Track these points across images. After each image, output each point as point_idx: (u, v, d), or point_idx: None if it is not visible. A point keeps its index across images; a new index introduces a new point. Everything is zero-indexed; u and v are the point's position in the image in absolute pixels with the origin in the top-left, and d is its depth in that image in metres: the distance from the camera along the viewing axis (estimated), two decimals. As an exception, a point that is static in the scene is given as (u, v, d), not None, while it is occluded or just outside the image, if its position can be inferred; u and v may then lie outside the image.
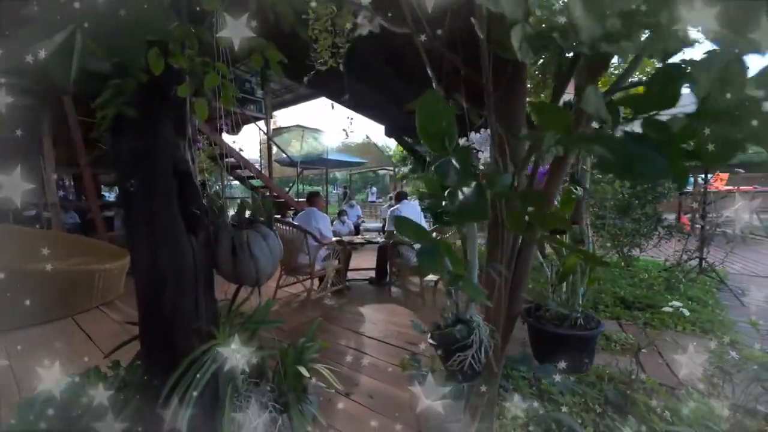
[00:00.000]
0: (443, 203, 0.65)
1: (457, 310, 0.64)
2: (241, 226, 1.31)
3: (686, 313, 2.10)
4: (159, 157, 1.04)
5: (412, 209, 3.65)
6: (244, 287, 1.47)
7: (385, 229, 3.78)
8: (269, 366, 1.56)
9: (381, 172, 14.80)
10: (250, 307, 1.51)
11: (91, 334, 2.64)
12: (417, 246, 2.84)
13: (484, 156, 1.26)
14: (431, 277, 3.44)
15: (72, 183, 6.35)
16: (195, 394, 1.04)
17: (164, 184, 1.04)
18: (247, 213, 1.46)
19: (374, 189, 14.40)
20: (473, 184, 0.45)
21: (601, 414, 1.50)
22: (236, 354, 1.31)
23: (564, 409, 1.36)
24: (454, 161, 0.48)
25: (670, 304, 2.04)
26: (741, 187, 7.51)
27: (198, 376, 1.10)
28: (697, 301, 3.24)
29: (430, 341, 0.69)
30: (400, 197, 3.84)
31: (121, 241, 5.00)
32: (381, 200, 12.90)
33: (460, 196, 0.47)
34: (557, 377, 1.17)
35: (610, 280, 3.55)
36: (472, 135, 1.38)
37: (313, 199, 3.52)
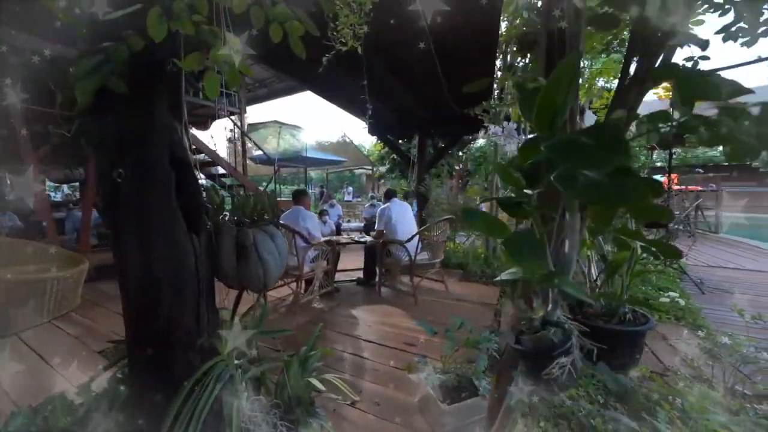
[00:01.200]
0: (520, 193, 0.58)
1: (545, 311, 0.58)
2: (245, 224, 1.16)
3: (682, 303, 2.21)
4: (154, 142, 0.87)
5: (402, 208, 3.59)
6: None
7: (375, 227, 3.67)
8: (270, 379, 1.41)
9: (357, 171, 14.63)
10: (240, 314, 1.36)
11: (44, 354, 2.28)
12: (410, 244, 2.75)
13: (510, 149, 1.21)
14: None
15: (9, 181, 5.57)
16: (200, 422, 0.89)
17: (161, 173, 0.88)
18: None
19: (350, 188, 14.18)
20: (619, 162, 0.39)
21: (603, 404, 1.52)
22: (240, 370, 1.15)
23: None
24: (586, 139, 0.41)
25: (666, 295, 2.14)
26: (690, 187, 8.29)
27: (202, 401, 0.94)
28: (665, 290, 3.49)
29: (516, 347, 0.62)
30: (390, 196, 3.74)
31: (73, 246, 4.45)
32: (359, 200, 12.72)
33: (589, 178, 0.39)
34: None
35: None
36: (493, 128, 1.33)
37: (299, 197, 3.33)
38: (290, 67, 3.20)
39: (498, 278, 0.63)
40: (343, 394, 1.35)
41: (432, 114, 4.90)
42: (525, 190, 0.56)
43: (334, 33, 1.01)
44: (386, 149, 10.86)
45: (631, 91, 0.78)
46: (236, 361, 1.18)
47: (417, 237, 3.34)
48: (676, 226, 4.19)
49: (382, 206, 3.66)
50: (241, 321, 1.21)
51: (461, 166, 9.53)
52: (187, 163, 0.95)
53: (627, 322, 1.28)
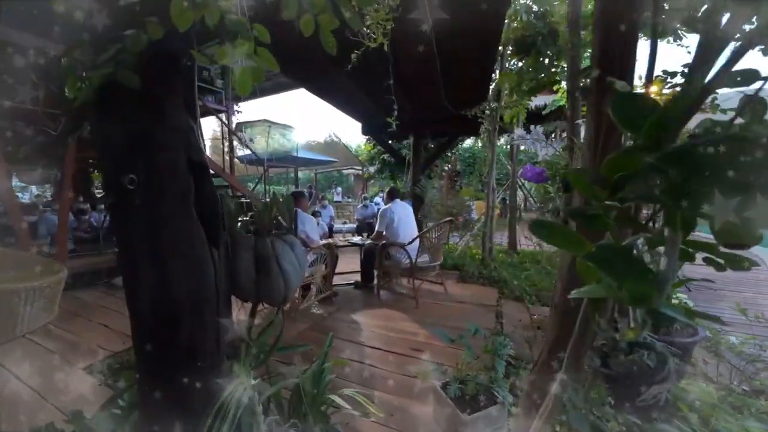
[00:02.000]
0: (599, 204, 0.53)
1: (638, 332, 0.53)
2: (262, 233, 1.07)
3: (690, 304, 2.26)
4: (170, 145, 0.78)
5: (405, 209, 3.52)
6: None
7: (376, 228, 3.58)
8: (284, 395, 1.33)
9: (345, 171, 14.47)
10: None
11: (20, 374, 2.08)
12: (411, 247, 2.68)
13: (543, 153, 1.18)
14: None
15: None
16: (225, 454, 0.80)
17: (178, 180, 0.78)
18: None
19: (339, 189, 14.00)
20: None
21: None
22: (258, 391, 1.07)
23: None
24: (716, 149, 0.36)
25: (675, 296, 2.17)
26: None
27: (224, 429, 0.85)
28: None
29: (603, 370, 0.58)
30: (393, 196, 3.60)
31: (48, 251, 4.13)
32: (349, 200, 12.58)
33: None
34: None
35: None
36: (518, 131, 1.30)
37: (297, 199, 3.22)
38: (291, 66, 3.08)
39: (572, 295, 0.58)
40: (363, 410, 1.28)
41: (428, 114, 4.88)
42: (607, 202, 0.52)
43: (364, 29, 0.94)
44: (376, 149, 10.80)
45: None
46: (253, 382, 1.09)
47: (418, 239, 3.30)
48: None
49: (384, 207, 3.56)
50: (259, 338, 1.12)
51: (450, 166, 9.61)
52: (204, 167, 0.86)
53: (674, 333, 1.28)
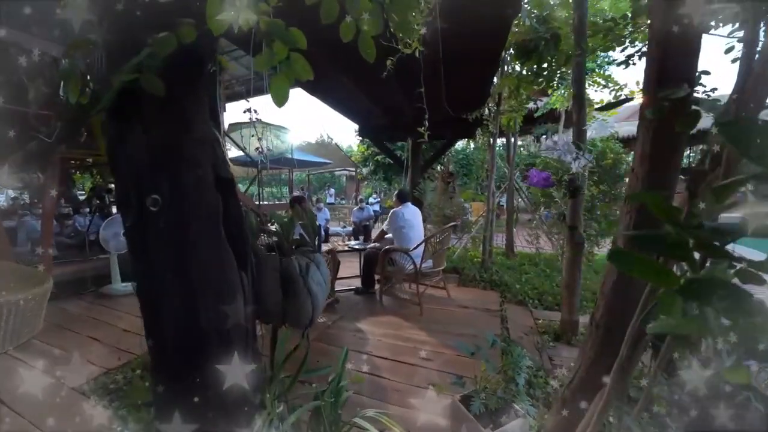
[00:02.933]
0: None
1: (747, 376, 0.49)
2: (287, 251, 0.99)
3: None
4: (198, 160, 0.70)
5: (414, 213, 3.43)
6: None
7: (384, 227, 3.49)
8: (302, 419, 1.25)
9: (337, 172, 14.33)
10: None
11: (3, 396, 1.93)
12: (415, 252, 2.62)
13: (578, 165, 1.14)
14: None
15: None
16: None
17: (207, 199, 0.70)
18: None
19: (332, 190, 13.84)
20: None
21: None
22: (286, 423, 0.99)
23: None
24: None
25: None
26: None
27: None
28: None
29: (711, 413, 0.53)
30: (404, 198, 3.41)
31: (30, 259, 3.90)
32: (343, 202, 12.44)
33: None
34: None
35: (590, 278, 3.84)
36: (549, 141, 1.26)
37: (300, 204, 3.12)
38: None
39: (652, 329, 0.54)
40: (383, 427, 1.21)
41: (426, 117, 4.84)
42: (690, 229, 0.48)
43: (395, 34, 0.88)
44: (370, 150, 10.72)
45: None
46: (278, 410, 1.01)
47: (423, 245, 3.25)
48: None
49: (395, 209, 3.46)
50: (284, 364, 1.05)
51: (443, 167, 9.64)
52: (231, 183, 0.78)
53: None
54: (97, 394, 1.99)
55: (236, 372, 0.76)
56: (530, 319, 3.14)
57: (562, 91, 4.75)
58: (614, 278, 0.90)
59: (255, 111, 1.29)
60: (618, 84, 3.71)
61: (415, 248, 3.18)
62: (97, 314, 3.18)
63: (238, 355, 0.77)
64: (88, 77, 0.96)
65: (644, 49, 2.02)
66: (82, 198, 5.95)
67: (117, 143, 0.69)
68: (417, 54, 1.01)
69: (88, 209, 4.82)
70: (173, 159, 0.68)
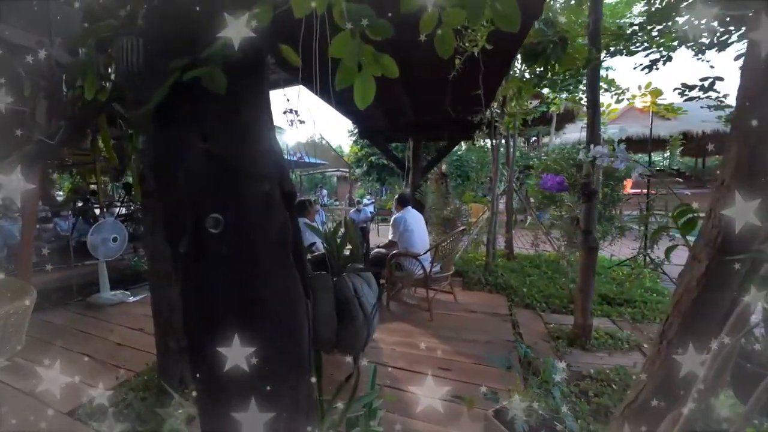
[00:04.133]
0: None
1: None
2: (338, 270, 0.89)
3: None
4: (265, 173, 0.59)
5: (417, 217, 3.37)
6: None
7: (390, 237, 3.41)
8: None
9: (329, 173, 14.13)
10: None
11: (-14, 424, 1.73)
12: (424, 257, 2.53)
13: (636, 173, 1.09)
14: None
15: None
16: None
17: (276, 219, 0.60)
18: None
19: (325, 191, 13.62)
20: None
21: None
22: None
23: None
24: None
25: None
26: (642, 190, 9.17)
27: None
28: (656, 292, 3.74)
29: None
30: (404, 203, 3.33)
31: (5, 267, 3.60)
32: (336, 203, 12.26)
33: None
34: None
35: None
36: (599, 147, 1.21)
37: (303, 210, 2.98)
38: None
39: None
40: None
41: (429, 118, 4.78)
42: None
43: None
44: (364, 151, 10.61)
45: None
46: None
47: (431, 250, 3.18)
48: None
49: (397, 214, 3.37)
50: (338, 396, 0.95)
51: (437, 169, 9.64)
52: (294, 199, 0.68)
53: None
54: (95, 419, 1.82)
55: (300, 411, 0.66)
56: (541, 324, 3.12)
57: (565, 95, 4.80)
58: (694, 296, 0.85)
59: (296, 112, 1.18)
60: (620, 88, 3.75)
61: (425, 253, 3.11)
62: (87, 327, 2.95)
63: (301, 390, 0.67)
64: (109, 69, 0.84)
65: (671, 54, 2.02)
66: (60, 200, 5.59)
67: (168, 153, 0.58)
68: (476, 53, 0.93)
69: (70, 212, 4.51)
70: (238, 173, 0.57)
